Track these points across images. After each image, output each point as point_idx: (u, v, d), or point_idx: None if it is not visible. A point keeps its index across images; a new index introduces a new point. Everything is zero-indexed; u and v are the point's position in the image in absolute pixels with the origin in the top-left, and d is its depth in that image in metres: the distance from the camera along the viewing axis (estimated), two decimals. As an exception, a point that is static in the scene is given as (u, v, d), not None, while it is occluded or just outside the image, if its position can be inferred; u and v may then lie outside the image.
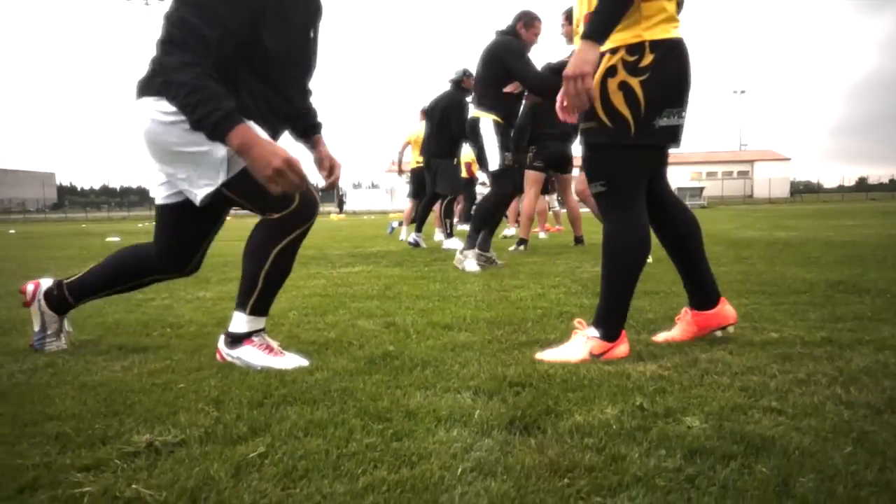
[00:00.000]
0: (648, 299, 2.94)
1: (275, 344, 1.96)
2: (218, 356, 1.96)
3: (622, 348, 1.95)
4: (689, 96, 1.92)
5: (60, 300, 2.17)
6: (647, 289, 3.28)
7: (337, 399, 1.52)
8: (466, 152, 6.88)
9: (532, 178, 5.70)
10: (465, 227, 6.52)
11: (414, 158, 7.86)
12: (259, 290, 1.89)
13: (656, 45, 1.84)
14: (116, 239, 10.80)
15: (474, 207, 6.20)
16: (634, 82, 1.83)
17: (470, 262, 4.34)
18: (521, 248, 5.88)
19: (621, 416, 1.36)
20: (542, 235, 8.14)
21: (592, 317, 1.99)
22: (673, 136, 1.91)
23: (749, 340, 2.09)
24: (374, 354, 1.96)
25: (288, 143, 2.08)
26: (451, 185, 6.64)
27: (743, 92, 61.97)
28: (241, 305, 1.93)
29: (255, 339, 1.93)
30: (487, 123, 4.33)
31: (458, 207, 8.55)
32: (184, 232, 2.03)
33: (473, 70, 4.81)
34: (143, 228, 18.65)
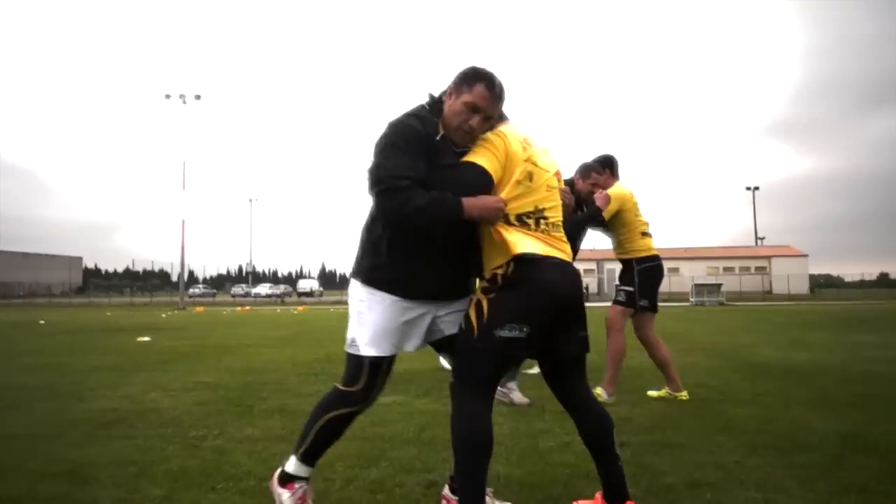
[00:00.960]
0: (669, 454, 3.14)
1: (310, 500, 2.33)
2: (269, 483, 2.37)
3: None
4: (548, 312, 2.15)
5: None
6: (666, 439, 3.49)
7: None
8: None
9: None
10: None
11: None
12: (308, 443, 2.28)
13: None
14: (147, 339, 11.19)
15: None
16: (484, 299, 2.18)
17: (517, 395, 4.56)
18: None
19: None
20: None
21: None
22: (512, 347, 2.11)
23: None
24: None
25: None
26: None
27: (757, 188, 63.32)
28: (295, 449, 2.32)
29: (297, 486, 2.29)
30: None
31: None
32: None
33: None
34: (167, 321, 19.12)
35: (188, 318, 22.41)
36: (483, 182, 2.17)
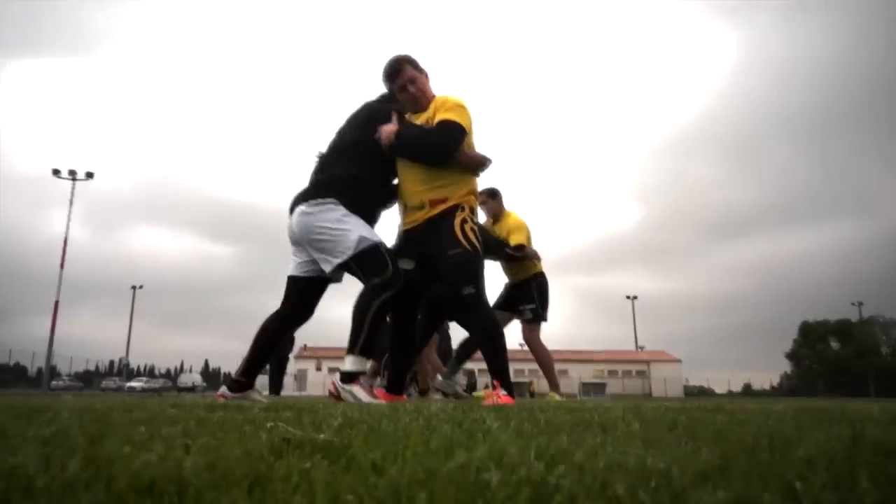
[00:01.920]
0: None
1: (374, 387, 2.93)
2: (332, 388, 2.78)
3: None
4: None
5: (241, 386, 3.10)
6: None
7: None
8: None
9: None
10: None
11: None
12: (365, 334, 2.74)
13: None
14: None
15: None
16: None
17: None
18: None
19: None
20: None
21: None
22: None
23: None
24: None
25: None
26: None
27: (635, 297, 68.14)
28: (351, 349, 2.80)
29: (362, 380, 2.80)
30: None
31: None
32: (311, 296, 3.14)
33: None
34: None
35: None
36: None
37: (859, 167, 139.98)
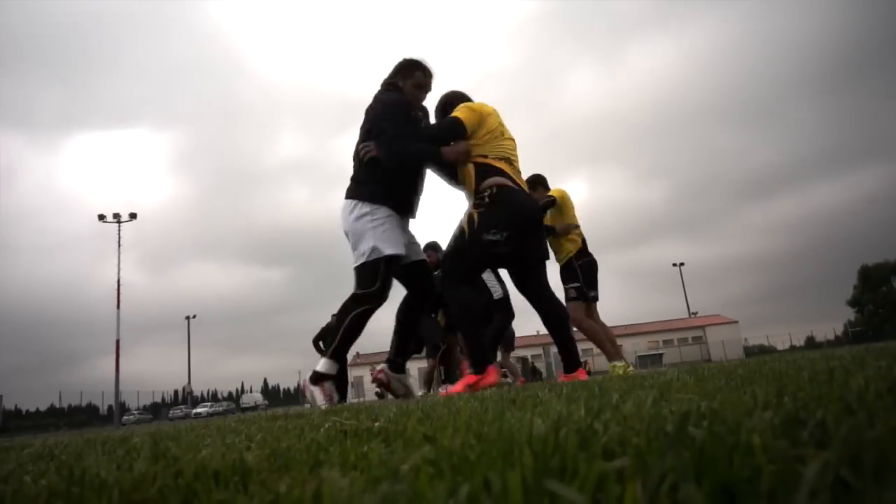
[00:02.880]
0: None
1: (336, 397, 2.96)
2: (303, 384, 2.88)
3: (491, 378, 2.95)
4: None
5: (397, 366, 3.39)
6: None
7: None
8: None
9: None
10: None
11: None
12: (339, 341, 2.87)
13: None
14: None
15: None
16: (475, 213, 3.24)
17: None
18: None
19: None
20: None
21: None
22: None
23: None
24: None
25: None
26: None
27: (682, 264, 66.68)
28: (325, 351, 3.00)
29: (326, 385, 2.93)
30: None
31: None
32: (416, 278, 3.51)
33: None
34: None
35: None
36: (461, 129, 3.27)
37: (878, 112, 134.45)
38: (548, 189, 5.66)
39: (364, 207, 3.17)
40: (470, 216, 3.15)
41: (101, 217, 37.30)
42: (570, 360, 3.13)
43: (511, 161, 3.25)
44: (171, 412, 60.60)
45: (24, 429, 68.95)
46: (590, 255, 5.54)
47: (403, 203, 3.32)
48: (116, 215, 37.00)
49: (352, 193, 3.27)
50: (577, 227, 5.55)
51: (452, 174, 3.33)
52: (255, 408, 54.02)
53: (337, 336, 2.95)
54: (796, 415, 0.64)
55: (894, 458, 0.42)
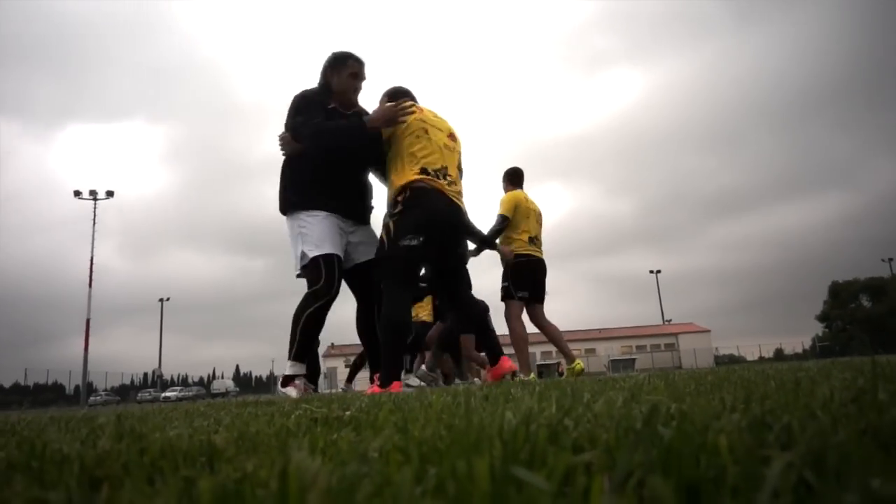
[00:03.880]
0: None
1: (311, 389, 3.02)
2: (277, 390, 2.99)
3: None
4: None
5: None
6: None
7: None
8: None
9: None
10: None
11: None
12: (298, 342, 2.91)
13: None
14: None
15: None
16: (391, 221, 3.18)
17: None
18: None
19: None
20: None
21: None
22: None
23: None
24: None
25: None
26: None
27: (659, 272, 67.51)
28: (289, 354, 2.99)
29: (297, 381, 2.97)
30: None
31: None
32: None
33: None
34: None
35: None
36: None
37: (837, 142, 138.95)
38: (514, 185, 5.65)
39: (292, 219, 3.24)
40: (386, 225, 3.15)
41: (77, 193, 36.64)
42: (491, 354, 3.31)
43: (447, 174, 3.18)
44: (139, 395, 59.69)
45: (-15, 405, 67.72)
46: (528, 255, 5.44)
47: (341, 204, 3.25)
48: (93, 192, 36.36)
49: (280, 207, 3.36)
50: (527, 231, 5.51)
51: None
52: (225, 394, 53.46)
53: (295, 338, 2.98)
54: (763, 419, 0.65)
55: (857, 461, 0.42)
